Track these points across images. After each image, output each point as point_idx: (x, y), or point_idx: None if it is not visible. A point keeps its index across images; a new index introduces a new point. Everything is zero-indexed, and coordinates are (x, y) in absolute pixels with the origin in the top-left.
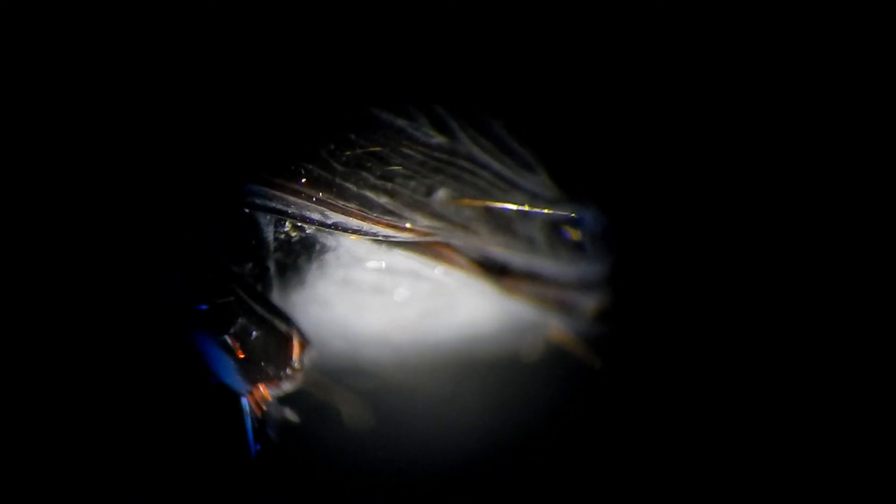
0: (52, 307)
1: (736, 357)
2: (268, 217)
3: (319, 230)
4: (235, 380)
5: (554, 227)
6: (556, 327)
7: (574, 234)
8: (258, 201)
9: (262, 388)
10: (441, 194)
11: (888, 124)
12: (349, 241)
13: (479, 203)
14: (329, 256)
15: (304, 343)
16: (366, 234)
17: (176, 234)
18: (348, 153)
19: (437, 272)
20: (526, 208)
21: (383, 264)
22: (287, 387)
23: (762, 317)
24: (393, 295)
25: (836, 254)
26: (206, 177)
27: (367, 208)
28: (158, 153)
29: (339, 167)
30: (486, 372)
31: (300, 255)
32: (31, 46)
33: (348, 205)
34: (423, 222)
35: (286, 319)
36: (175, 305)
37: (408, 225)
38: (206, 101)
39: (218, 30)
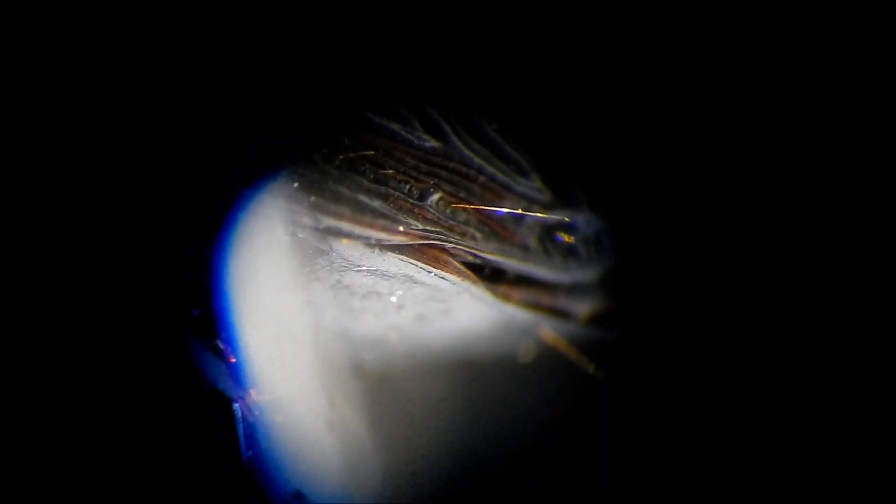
0: (49, 308)
1: (730, 360)
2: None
3: (312, 234)
4: (227, 385)
5: (547, 232)
6: (549, 331)
7: (567, 238)
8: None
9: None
10: (435, 198)
11: (888, 125)
12: (342, 244)
13: (472, 207)
14: (322, 260)
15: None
16: (359, 237)
17: (170, 237)
18: (341, 157)
19: (431, 276)
20: (519, 212)
21: (377, 268)
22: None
23: (756, 321)
24: (387, 299)
25: (832, 259)
26: (201, 180)
27: (361, 212)
28: (150, 156)
29: (333, 171)
30: (480, 376)
31: (293, 259)
32: (31, 46)
33: (341, 209)
34: (417, 226)
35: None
36: (169, 311)
37: (401, 229)
38: (199, 105)
39: (211, 34)
